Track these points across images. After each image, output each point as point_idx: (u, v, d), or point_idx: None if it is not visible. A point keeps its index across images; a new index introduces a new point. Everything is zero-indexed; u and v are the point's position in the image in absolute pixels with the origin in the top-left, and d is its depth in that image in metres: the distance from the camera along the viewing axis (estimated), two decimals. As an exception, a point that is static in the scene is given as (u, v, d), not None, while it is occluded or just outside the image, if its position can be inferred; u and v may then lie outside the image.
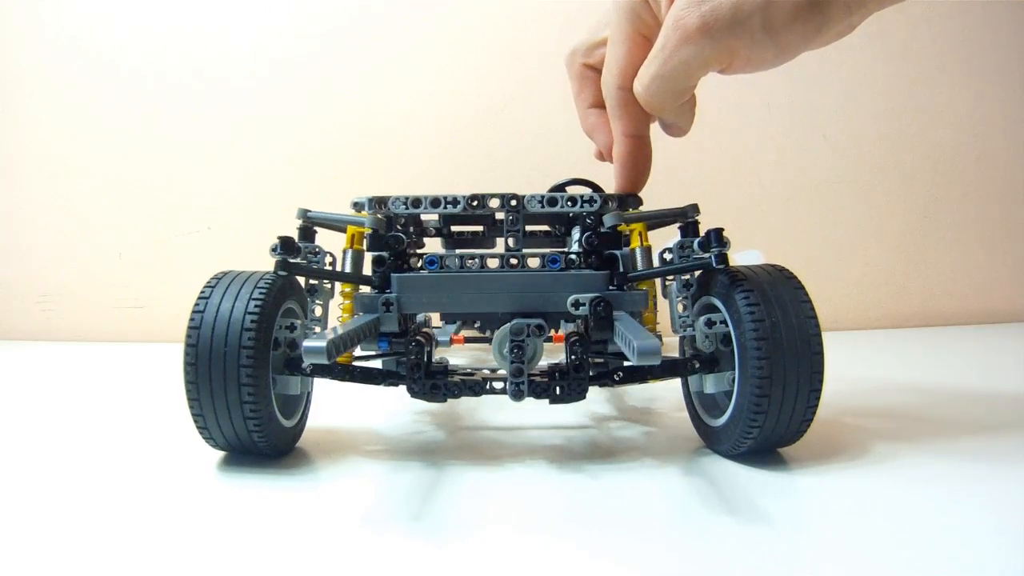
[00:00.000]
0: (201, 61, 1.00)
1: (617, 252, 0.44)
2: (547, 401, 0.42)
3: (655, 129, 0.46)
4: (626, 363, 0.44)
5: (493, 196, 0.43)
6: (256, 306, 0.39)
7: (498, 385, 0.42)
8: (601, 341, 0.44)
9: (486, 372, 0.48)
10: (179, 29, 1.00)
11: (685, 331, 0.45)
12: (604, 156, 0.50)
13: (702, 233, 0.43)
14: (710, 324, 0.42)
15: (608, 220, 0.44)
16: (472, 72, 1.02)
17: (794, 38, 0.36)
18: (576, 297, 0.41)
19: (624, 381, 0.44)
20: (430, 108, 1.02)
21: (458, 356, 0.81)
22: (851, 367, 0.73)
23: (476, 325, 0.75)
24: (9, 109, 1.01)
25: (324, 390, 0.49)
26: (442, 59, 1.02)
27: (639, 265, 0.47)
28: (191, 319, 0.39)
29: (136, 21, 0.99)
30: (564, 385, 0.41)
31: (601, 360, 0.47)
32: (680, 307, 0.46)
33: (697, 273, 0.45)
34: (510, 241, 0.44)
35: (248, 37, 1.01)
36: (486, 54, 1.02)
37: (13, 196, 1.01)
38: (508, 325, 0.40)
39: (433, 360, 0.45)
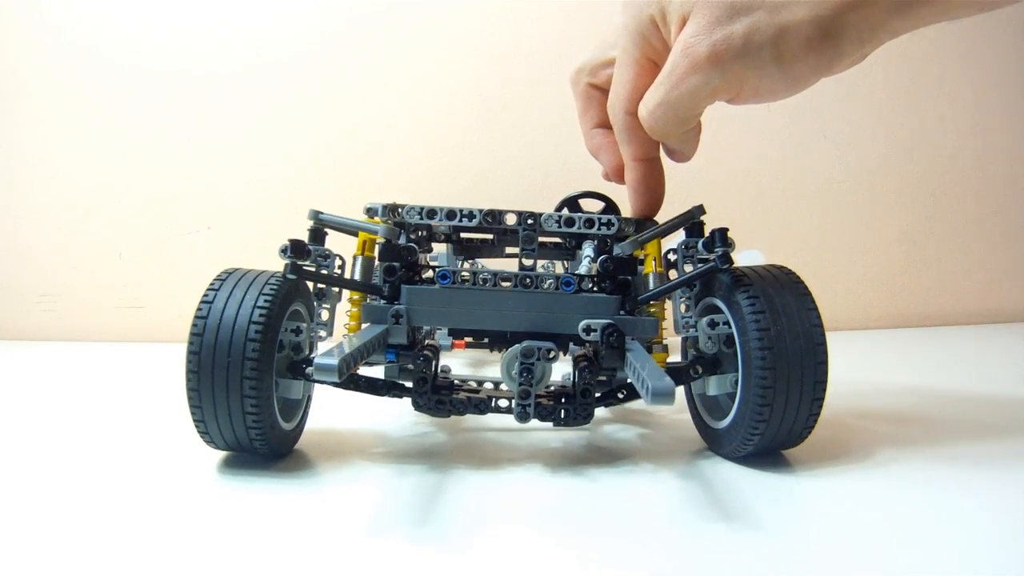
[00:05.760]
0: (201, 61, 1.00)
1: (630, 278, 0.43)
2: (551, 424, 0.42)
3: None
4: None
5: (509, 212, 0.43)
6: (261, 315, 0.38)
7: (503, 404, 0.43)
8: (610, 369, 0.44)
9: (490, 387, 0.48)
10: (179, 28, 0.99)
11: (687, 331, 0.45)
12: (611, 177, 0.49)
13: (707, 233, 0.43)
14: (713, 325, 0.42)
15: (622, 249, 0.42)
16: (472, 72, 1.02)
17: (806, 70, 0.35)
18: (588, 323, 0.40)
19: (628, 398, 0.44)
20: (430, 107, 1.02)
21: (459, 356, 0.81)
22: (851, 367, 0.73)
23: (484, 341, 0.74)
24: (9, 109, 1.00)
25: (324, 390, 0.49)
26: (442, 59, 1.02)
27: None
28: (194, 324, 0.38)
29: (136, 20, 0.99)
30: (570, 409, 0.42)
31: (605, 379, 0.47)
32: (683, 307, 0.46)
33: None
34: (524, 260, 0.43)
35: (248, 37, 1.00)
36: (486, 55, 1.02)
37: (13, 196, 1.01)
38: (519, 346, 0.40)
39: (439, 367, 0.45)
